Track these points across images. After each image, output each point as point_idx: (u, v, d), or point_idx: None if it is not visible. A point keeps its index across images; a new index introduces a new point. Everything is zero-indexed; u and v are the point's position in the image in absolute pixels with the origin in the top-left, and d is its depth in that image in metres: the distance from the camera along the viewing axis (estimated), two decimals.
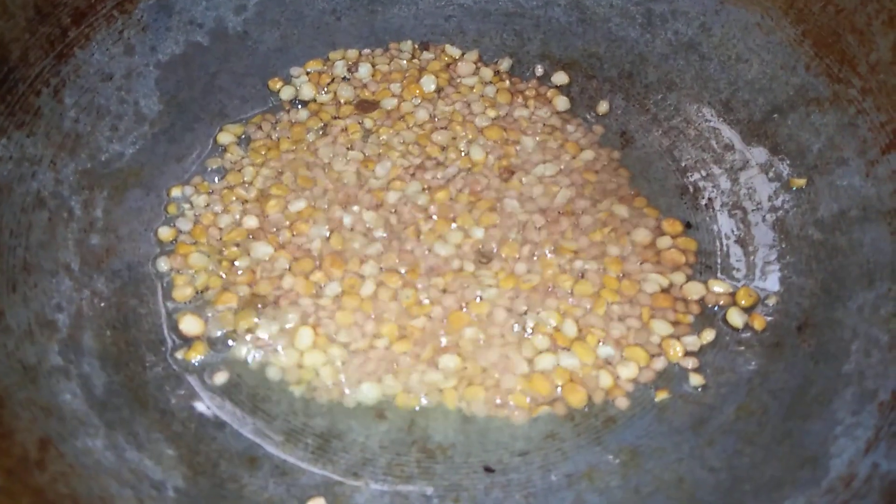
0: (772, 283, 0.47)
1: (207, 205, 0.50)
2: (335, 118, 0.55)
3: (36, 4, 0.47)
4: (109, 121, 0.50)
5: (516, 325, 0.45)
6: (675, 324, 0.45)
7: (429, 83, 0.56)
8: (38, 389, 0.38)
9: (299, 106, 0.55)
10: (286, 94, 0.56)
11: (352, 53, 0.58)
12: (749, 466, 0.39)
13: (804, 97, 0.50)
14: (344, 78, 0.57)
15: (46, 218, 0.45)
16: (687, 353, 0.44)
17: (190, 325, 0.45)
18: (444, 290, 0.47)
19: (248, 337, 0.45)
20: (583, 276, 0.47)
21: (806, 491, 0.36)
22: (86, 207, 0.47)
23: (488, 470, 0.41)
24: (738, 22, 0.53)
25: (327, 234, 0.49)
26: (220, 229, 0.49)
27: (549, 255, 0.48)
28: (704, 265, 0.48)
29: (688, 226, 0.50)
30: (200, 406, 0.42)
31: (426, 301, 0.46)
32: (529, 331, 0.45)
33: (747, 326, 0.45)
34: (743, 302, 0.46)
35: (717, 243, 0.49)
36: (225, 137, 0.53)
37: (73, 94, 0.49)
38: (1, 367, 0.38)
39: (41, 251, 0.44)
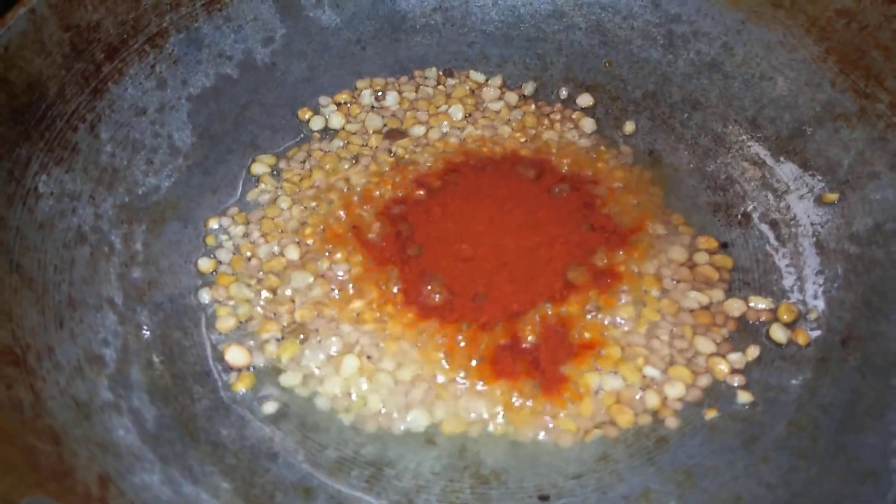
0: (812, 298, 0.47)
1: (245, 235, 0.50)
2: (364, 146, 0.55)
3: (71, 41, 0.47)
4: (145, 154, 0.50)
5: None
6: (719, 341, 0.46)
7: (457, 112, 0.57)
8: (93, 426, 0.38)
9: (328, 136, 0.56)
10: (316, 124, 0.56)
11: (378, 82, 0.59)
12: (806, 482, 0.39)
13: (831, 113, 0.51)
14: (372, 107, 0.57)
15: (88, 253, 0.45)
16: (733, 371, 0.44)
17: (236, 355, 0.45)
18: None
19: (294, 366, 0.45)
20: (621, 295, 0.47)
21: None
22: (126, 241, 0.47)
23: (543, 498, 0.40)
24: (760, 41, 0.54)
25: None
26: (260, 259, 0.49)
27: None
28: (742, 282, 0.48)
29: (723, 245, 0.50)
30: (251, 437, 0.42)
31: (467, 325, 0.46)
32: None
33: (791, 342, 0.45)
34: (785, 317, 0.46)
35: (754, 260, 0.49)
36: (258, 168, 0.53)
37: (108, 129, 0.49)
38: (55, 404, 0.37)
39: (85, 286, 0.44)
